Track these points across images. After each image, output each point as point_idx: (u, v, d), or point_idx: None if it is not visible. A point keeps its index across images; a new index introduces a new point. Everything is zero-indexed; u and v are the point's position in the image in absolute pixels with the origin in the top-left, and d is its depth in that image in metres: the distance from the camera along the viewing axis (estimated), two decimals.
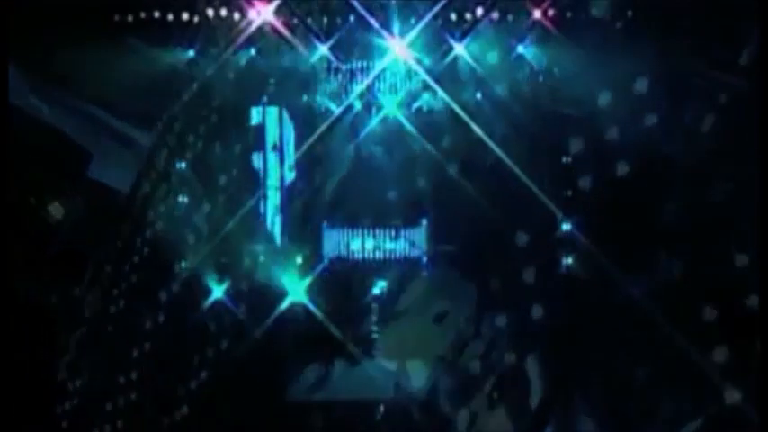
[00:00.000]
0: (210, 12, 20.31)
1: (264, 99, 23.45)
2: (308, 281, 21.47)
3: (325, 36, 21.74)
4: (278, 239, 23.23)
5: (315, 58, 22.48)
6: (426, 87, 23.43)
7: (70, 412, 14.94)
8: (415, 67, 22.74)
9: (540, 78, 23.06)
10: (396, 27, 21.28)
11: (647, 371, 15.83)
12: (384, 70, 23.47)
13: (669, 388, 15.27)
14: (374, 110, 24.19)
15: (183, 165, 22.69)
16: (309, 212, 23.90)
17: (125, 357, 16.85)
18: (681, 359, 15.97)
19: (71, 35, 18.86)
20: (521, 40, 21.94)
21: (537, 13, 20.24)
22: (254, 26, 20.66)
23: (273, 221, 23.60)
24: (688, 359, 15.80)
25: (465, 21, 21.16)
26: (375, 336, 20.69)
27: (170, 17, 20.33)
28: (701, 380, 14.93)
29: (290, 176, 23.70)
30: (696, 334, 16.28)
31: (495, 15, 20.71)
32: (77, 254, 19.54)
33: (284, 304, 20.74)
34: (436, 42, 22.17)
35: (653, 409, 14.74)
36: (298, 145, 23.09)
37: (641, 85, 19.07)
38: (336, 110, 23.83)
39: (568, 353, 17.22)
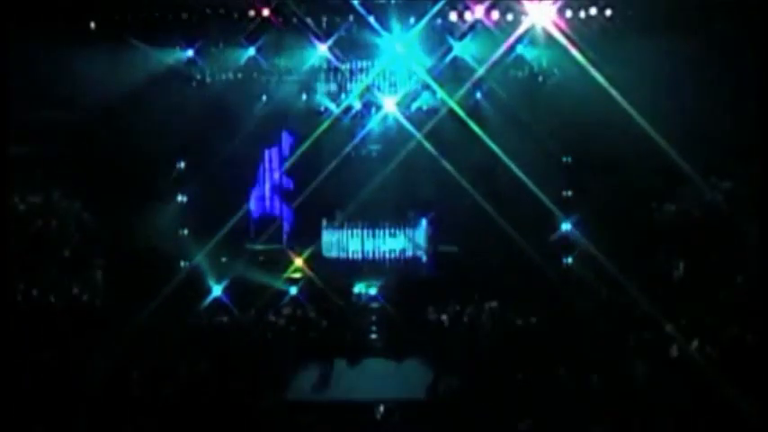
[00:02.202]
0: (210, 10, 20.34)
1: (263, 98, 23.49)
2: (308, 280, 21.51)
3: (324, 35, 21.82)
4: (277, 239, 23.27)
5: (314, 57, 22.58)
6: (426, 87, 23.51)
7: (71, 409, 14.88)
8: (415, 66, 22.83)
9: (540, 78, 23.19)
10: (395, 27, 21.32)
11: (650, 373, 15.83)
12: (383, 70, 23.55)
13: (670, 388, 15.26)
14: (374, 109, 24.27)
15: (182, 164, 22.72)
16: (308, 212, 23.92)
17: (122, 355, 16.76)
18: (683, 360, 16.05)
19: (70, 34, 18.84)
20: (520, 41, 22.05)
21: (536, 14, 20.30)
22: (253, 25, 20.76)
23: (272, 221, 23.64)
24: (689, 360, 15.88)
25: (464, 21, 21.19)
26: (374, 336, 20.73)
27: (169, 17, 20.33)
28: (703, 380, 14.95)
29: (289, 176, 23.75)
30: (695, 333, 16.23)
31: (494, 16, 20.74)
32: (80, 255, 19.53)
33: (283, 303, 20.75)
34: (436, 42, 22.26)
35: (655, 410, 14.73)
36: (297, 144, 23.11)
37: (643, 85, 19.07)
38: (336, 109, 23.91)
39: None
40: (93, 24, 19.73)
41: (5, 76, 15.34)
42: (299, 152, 23.10)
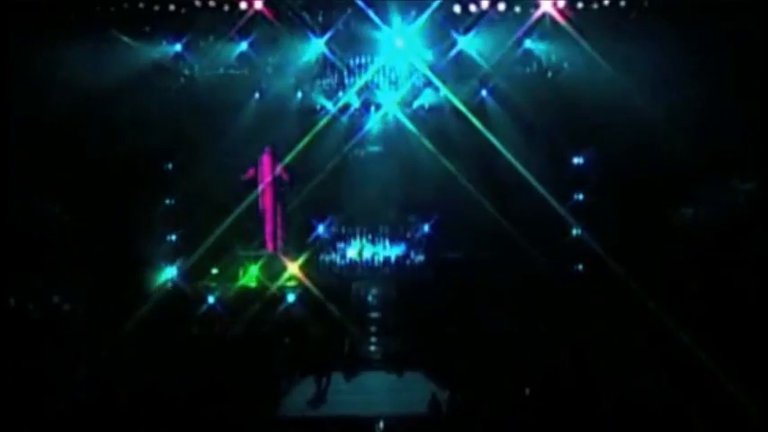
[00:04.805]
0: (199, 2, 20.09)
1: (256, 96, 23.26)
2: (303, 288, 21.28)
3: (321, 29, 21.61)
4: (272, 244, 23.02)
5: (310, 52, 22.37)
6: (428, 84, 23.32)
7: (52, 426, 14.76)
8: (417, 62, 22.64)
9: (549, 74, 22.99)
10: (396, 20, 21.09)
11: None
12: (383, 66, 23.37)
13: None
14: (373, 108, 24.11)
15: (170, 165, 22.50)
16: (304, 216, 23.74)
17: (105, 369, 16.59)
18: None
19: (49, 27, 18.58)
20: (528, 34, 21.87)
21: (545, 5, 20.12)
22: (245, 18, 20.53)
23: (267, 225, 23.40)
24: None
25: (469, 13, 20.97)
26: (374, 347, 20.52)
27: (156, 8, 20.06)
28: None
29: (284, 178, 23.49)
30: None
31: (501, 7, 20.50)
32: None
33: (276, 313, 20.53)
34: (439, 36, 22.06)
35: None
36: (292, 145, 22.86)
37: (658, 80, 18.84)
38: (333, 108, 23.74)
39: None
40: (73, 16, 19.48)
41: (5, 75, 15.20)
42: (294, 153, 22.85)
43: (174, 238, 22.65)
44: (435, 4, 20.43)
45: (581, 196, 22.86)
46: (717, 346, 16.01)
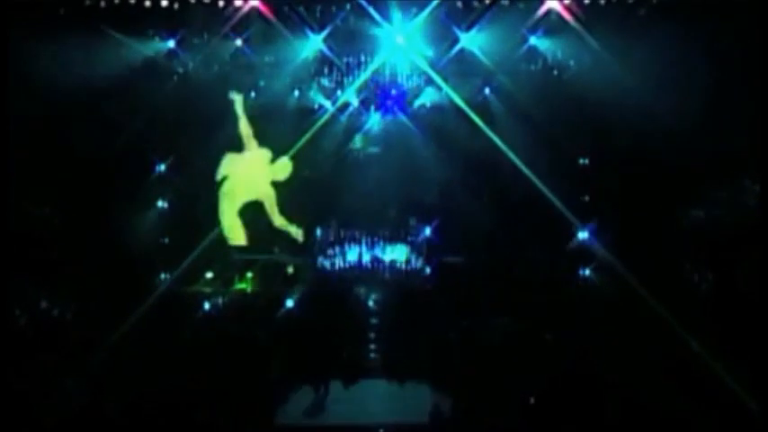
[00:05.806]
0: None
1: (252, 95, 23.09)
2: (300, 294, 21.14)
3: (318, 26, 21.48)
4: (269, 248, 22.83)
5: (308, 49, 22.23)
6: (430, 82, 23.19)
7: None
8: (418, 60, 22.51)
9: (555, 72, 22.87)
10: (396, 16, 20.93)
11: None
12: (383, 63, 23.23)
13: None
14: (373, 107, 23.98)
15: (163, 167, 22.39)
16: (302, 219, 23.54)
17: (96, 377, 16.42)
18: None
19: (35, 22, 18.41)
20: (533, 31, 21.76)
21: (551, 0, 20.00)
22: (240, 14, 20.40)
23: (263, 229, 23.21)
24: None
25: (472, 9, 20.85)
26: (374, 354, 20.38)
27: (147, 3, 19.92)
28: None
29: (281, 180, 23.30)
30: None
31: (505, 3, 20.36)
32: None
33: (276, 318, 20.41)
34: (441, 33, 21.91)
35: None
36: (289, 145, 22.68)
37: (669, 79, 18.69)
38: (331, 107, 23.61)
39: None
40: (63, 12, 19.37)
41: (5, 76, 15.06)
42: (291, 153, 22.69)
43: (167, 240, 22.53)
44: (437, 0, 20.32)
45: (588, 198, 22.73)
46: (725, 351, 15.98)
